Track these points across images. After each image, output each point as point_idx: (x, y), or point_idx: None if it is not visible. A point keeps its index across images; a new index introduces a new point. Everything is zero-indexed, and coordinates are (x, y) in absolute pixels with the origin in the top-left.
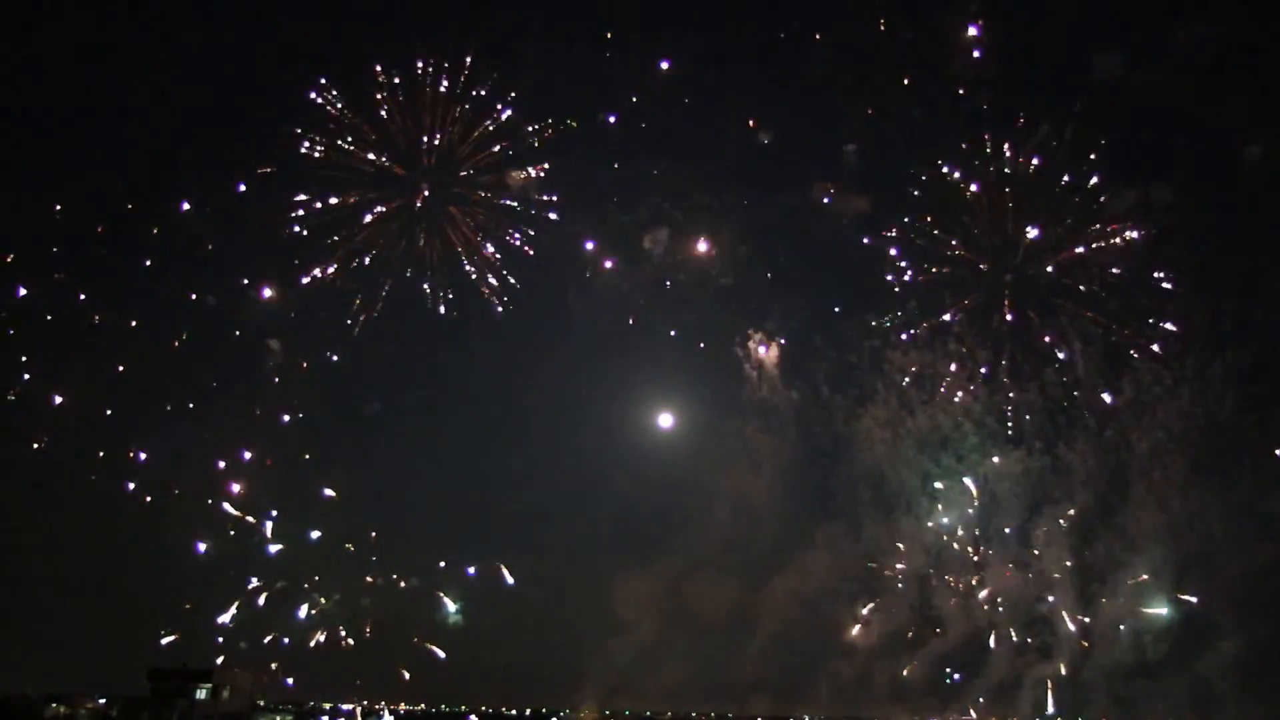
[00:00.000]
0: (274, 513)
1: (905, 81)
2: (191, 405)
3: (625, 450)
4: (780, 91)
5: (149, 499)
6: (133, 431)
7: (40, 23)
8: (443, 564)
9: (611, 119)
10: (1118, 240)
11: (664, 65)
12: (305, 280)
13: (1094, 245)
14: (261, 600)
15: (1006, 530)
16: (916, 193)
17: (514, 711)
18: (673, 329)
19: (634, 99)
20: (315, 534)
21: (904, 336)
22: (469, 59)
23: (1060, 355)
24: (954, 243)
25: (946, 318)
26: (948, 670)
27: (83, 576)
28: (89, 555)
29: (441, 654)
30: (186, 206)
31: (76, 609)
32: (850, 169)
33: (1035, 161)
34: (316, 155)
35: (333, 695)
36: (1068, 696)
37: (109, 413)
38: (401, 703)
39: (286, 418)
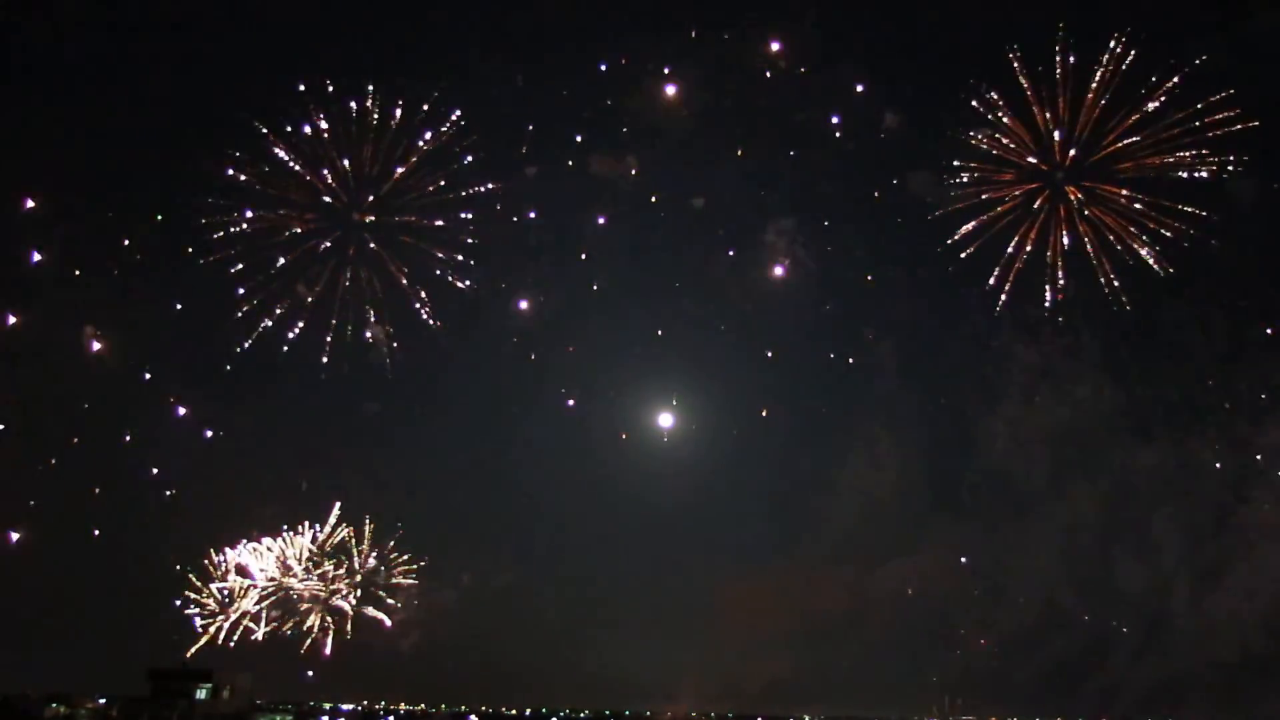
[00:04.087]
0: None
1: None
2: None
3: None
4: None
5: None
6: None
7: None
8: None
9: None
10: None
11: None
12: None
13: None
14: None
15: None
16: None
17: (514, 711)
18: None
19: None
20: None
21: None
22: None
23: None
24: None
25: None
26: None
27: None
28: (90, 556)
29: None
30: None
31: (77, 609)
32: None
33: None
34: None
35: (333, 695)
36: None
37: None
38: (402, 703)
39: None
